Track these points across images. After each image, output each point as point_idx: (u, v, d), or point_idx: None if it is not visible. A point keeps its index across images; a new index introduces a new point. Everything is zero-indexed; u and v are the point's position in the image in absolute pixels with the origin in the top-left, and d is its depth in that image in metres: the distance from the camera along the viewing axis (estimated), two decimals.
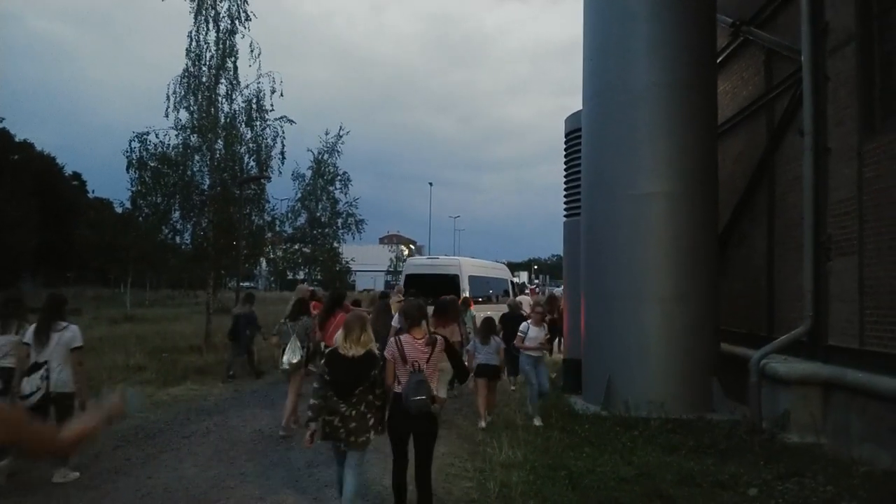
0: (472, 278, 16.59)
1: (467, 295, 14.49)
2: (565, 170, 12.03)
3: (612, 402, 8.68)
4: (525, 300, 21.02)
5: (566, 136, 11.99)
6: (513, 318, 10.67)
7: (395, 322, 8.56)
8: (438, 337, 5.04)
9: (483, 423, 8.33)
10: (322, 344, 8.17)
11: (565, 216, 11.90)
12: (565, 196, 11.96)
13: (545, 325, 9.07)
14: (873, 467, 6.06)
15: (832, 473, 5.93)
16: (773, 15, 9.38)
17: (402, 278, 17.16)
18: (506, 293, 19.18)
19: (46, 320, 5.96)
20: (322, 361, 4.93)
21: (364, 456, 4.87)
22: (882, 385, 6.32)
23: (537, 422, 8.23)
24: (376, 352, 4.91)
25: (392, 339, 5.12)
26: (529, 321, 8.83)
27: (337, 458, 4.93)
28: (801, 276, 7.95)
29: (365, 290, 30.09)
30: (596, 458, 6.48)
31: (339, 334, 5.05)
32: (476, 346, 8.68)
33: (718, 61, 10.50)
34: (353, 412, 4.64)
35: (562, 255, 12.68)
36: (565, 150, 12.04)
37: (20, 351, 5.91)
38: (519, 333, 8.75)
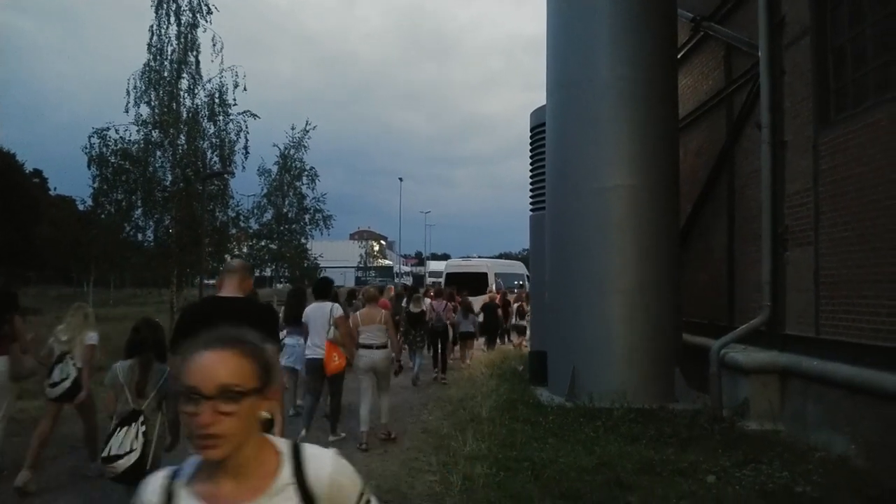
0: (497, 275, 23.87)
1: (493, 288, 21.17)
2: (531, 164, 12.06)
3: (576, 393, 8.73)
4: None
5: (531, 130, 12.01)
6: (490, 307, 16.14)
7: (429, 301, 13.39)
8: (447, 302, 12.67)
9: (468, 362, 13.81)
10: None
11: (531, 210, 11.94)
12: (531, 190, 11.99)
13: None
14: (828, 453, 6.20)
15: (788, 459, 6.04)
16: (733, 10, 9.50)
17: (443, 276, 23.91)
18: (521, 285, 24.39)
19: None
20: (405, 315, 11.87)
21: (422, 351, 11.97)
22: (837, 372, 6.46)
23: None
24: (426, 310, 12.07)
25: (430, 303, 12.42)
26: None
27: (410, 352, 11.88)
28: (760, 266, 8.09)
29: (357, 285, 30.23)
30: (559, 449, 6.50)
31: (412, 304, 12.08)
32: (460, 319, 13.70)
33: (679, 56, 10.61)
34: (417, 335, 11.62)
35: None
36: (531, 144, 12.07)
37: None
38: None
